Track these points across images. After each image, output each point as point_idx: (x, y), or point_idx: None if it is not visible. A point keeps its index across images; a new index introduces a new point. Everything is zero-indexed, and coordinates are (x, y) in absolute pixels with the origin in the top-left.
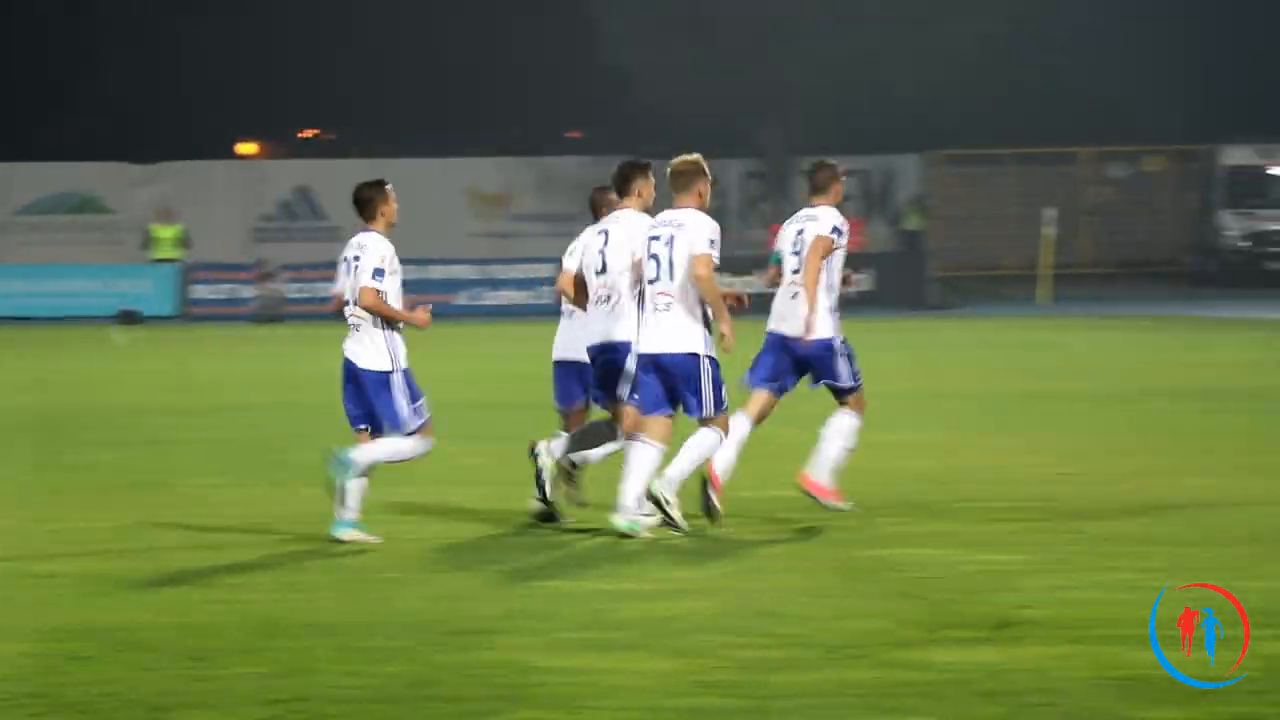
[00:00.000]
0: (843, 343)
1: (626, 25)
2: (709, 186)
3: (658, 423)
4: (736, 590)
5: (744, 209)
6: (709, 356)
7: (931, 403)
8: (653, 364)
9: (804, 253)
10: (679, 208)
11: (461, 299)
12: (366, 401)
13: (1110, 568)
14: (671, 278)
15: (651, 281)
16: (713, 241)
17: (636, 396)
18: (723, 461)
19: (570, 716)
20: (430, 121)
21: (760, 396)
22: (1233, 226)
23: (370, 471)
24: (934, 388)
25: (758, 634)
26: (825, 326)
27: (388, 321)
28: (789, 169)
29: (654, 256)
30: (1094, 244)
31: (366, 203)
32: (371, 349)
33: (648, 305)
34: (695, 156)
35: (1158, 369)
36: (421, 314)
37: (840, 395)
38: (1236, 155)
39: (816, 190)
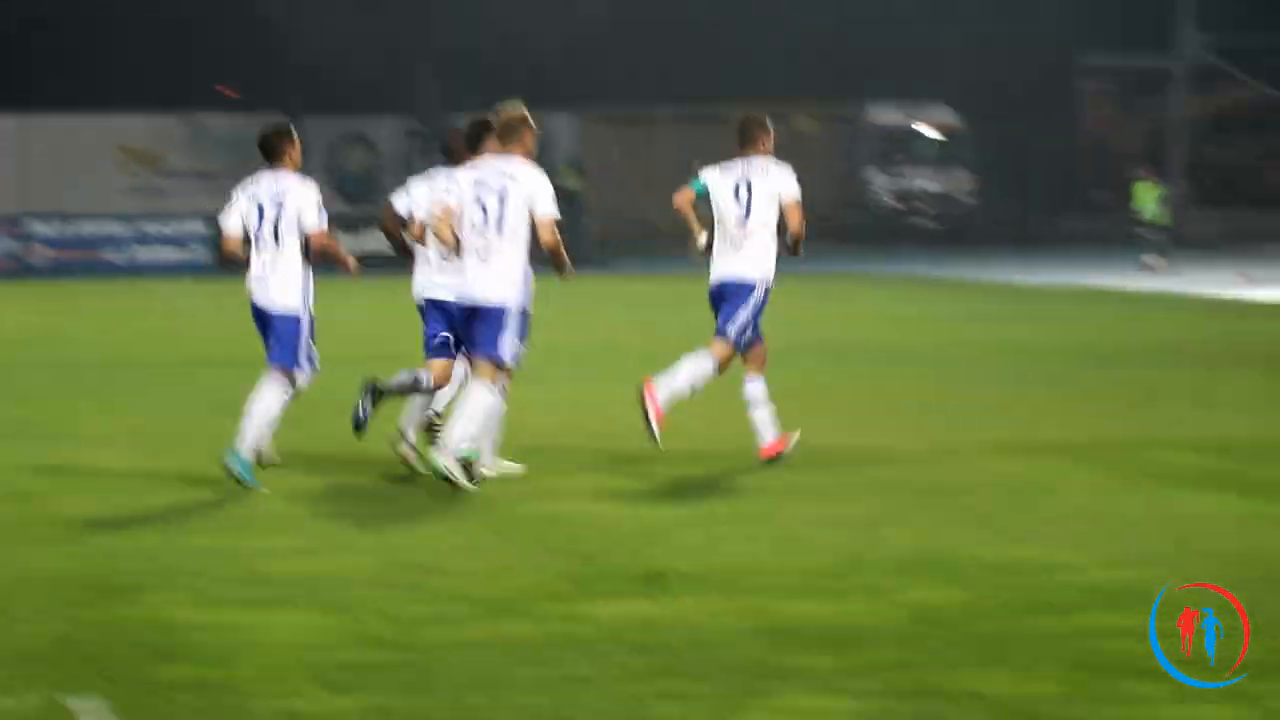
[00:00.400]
0: (764, 295)
1: None
2: (534, 138)
3: (485, 365)
4: (393, 546)
5: (400, 165)
6: (522, 311)
7: (587, 359)
8: (471, 313)
9: (757, 208)
10: (507, 157)
11: (112, 256)
12: (267, 334)
13: (761, 520)
14: (500, 230)
15: (476, 227)
16: (554, 199)
17: (473, 345)
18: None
19: (222, 672)
20: (78, 76)
21: (717, 345)
22: (881, 184)
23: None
24: (590, 344)
25: (413, 589)
26: (763, 270)
27: (309, 263)
28: (446, 126)
29: (481, 205)
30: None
31: (272, 148)
32: (287, 291)
33: (468, 252)
34: (520, 109)
35: (810, 325)
36: (353, 260)
37: (720, 339)
38: (884, 114)
39: (746, 142)
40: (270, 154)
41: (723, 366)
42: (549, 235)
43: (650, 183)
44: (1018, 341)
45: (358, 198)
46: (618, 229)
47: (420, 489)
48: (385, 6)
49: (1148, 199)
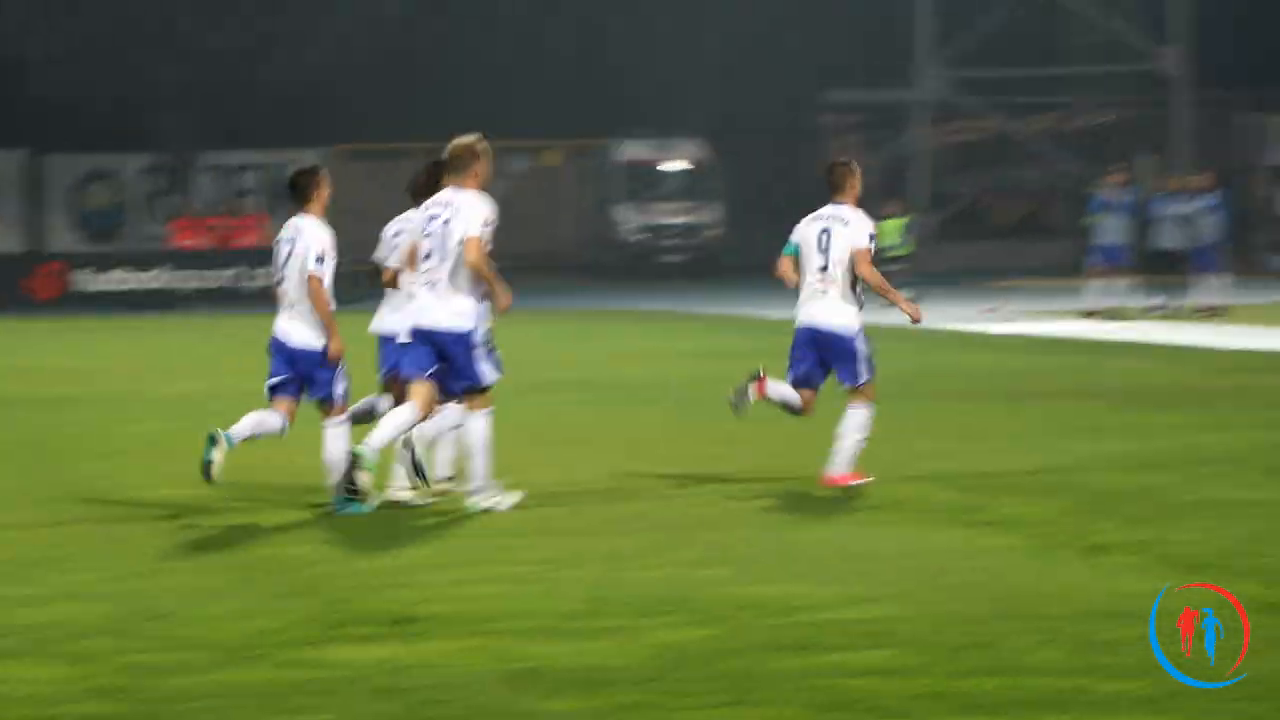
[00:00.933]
0: (865, 338)
1: (16, 12)
2: (486, 167)
3: (420, 387)
4: (129, 592)
5: (144, 203)
6: (481, 332)
7: None
8: (424, 338)
9: (835, 258)
10: (457, 189)
11: None
12: (300, 377)
13: (508, 561)
14: (444, 258)
15: (425, 258)
16: (484, 223)
17: (404, 364)
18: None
19: None
20: None
21: (801, 394)
22: (630, 220)
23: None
24: None
25: (151, 637)
26: (855, 318)
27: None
28: (190, 163)
29: (429, 236)
30: (496, 239)
31: (301, 188)
32: (307, 327)
33: (420, 282)
34: (471, 139)
35: (557, 363)
36: (338, 341)
37: (854, 390)
38: (632, 150)
39: (835, 189)
40: (296, 195)
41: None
42: (470, 254)
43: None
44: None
45: (103, 236)
46: (369, 263)
47: (160, 531)
48: (126, 44)
49: (892, 233)
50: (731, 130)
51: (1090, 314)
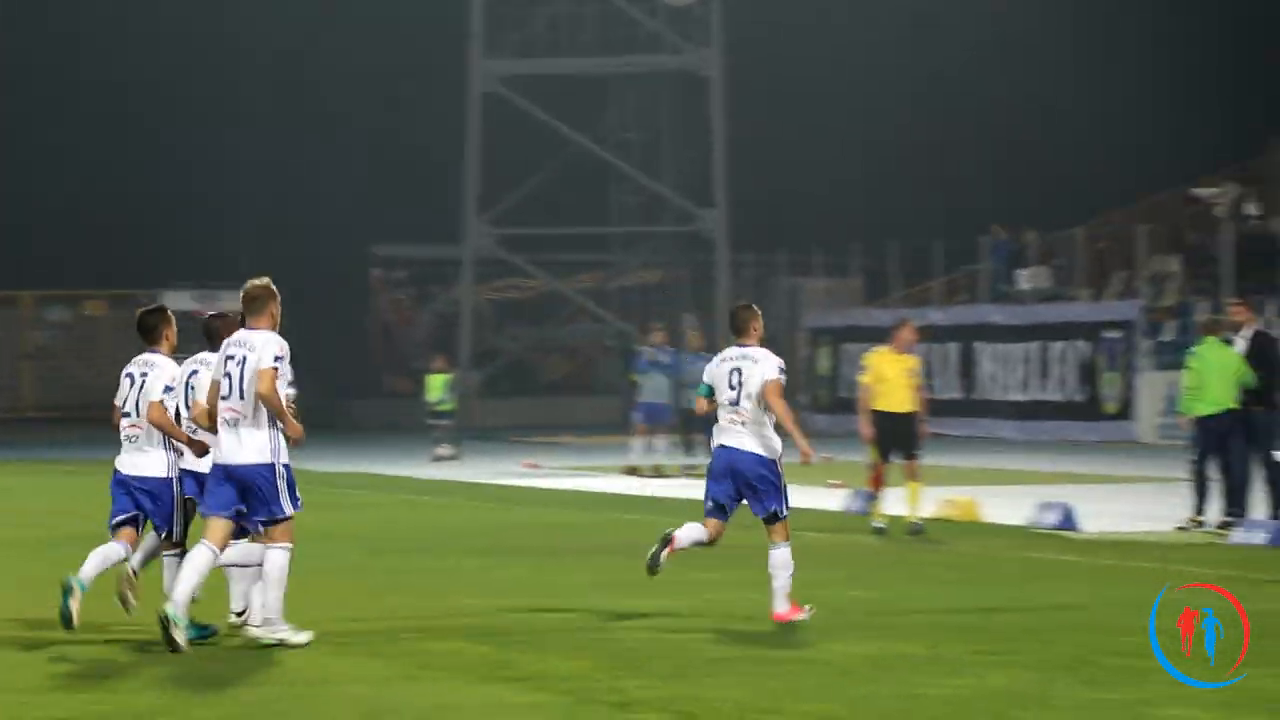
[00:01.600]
0: (779, 470)
1: None
2: (279, 307)
3: (218, 524)
4: None
5: None
6: (283, 465)
7: None
8: (225, 474)
9: (747, 392)
10: (252, 329)
11: None
12: (140, 506)
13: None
14: (242, 395)
15: (224, 398)
16: (278, 357)
17: (207, 501)
18: (195, 578)
19: None
20: None
21: (711, 523)
22: None
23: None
24: None
25: None
26: (770, 450)
27: (166, 436)
28: None
29: (226, 375)
30: (35, 388)
31: (150, 329)
32: (152, 459)
33: (222, 420)
34: (265, 280)
35: (91, 513)
36: (198, 445)
37: (770, 523)
38: (173, 300)
39: (739, 331)
40: (145, 335)
41: (713, 540)
42: (262, 386)
43: None
44: (307, 529)
45: None
46: None
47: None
48: None
49: (438, 387)
50: (280, 282)
51: (632, 470)
